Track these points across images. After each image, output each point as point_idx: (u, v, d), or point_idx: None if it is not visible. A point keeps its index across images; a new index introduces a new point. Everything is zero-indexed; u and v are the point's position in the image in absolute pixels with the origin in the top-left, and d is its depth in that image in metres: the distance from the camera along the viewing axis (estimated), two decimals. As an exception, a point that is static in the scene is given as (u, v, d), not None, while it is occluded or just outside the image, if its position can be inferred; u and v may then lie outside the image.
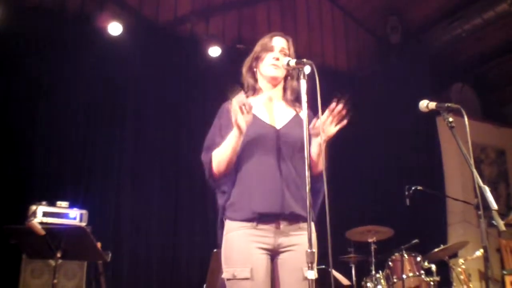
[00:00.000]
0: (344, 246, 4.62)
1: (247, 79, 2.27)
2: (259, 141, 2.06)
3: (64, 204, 4.13)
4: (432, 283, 4.17)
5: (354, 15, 6.77)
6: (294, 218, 2.02)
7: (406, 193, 4.13)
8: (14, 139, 4.45)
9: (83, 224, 4.07)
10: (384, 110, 6.33)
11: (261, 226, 2.00)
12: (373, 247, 4.42)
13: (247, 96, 2.24)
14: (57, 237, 3.13)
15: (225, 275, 1.99)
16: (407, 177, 5.82)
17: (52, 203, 4.08)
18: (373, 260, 4.39)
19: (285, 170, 2.04)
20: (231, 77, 2.46)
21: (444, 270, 4.43)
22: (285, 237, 2.02)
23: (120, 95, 5.13)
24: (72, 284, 3.94)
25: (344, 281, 4.12)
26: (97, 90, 4.97)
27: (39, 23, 4.76)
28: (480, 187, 1.99)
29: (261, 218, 1.99)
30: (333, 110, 1.98)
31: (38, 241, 3.14)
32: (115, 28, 4.95)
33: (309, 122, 1.95)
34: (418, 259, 4.28)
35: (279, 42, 2.22)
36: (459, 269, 4.39)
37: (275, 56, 2.18)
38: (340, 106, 1.98)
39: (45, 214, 3.98)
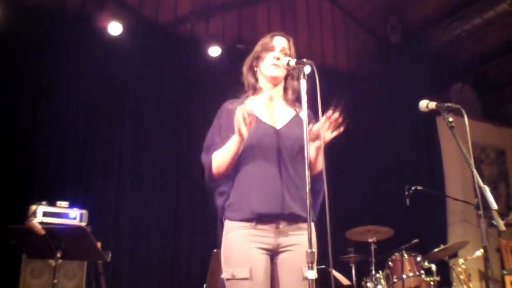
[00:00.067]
0: (344, 246, 4.62)
1: (247, 78, 2.27)
2: (258, 141, 2.06)
3: (64, 204, 4.13)
4: (432, 283, 4.17)
5: (354, 15, 6.77)
6: (294, 219, 2.02)
7: (406, 193, 4.13)
8: (14, 139, 4.45)
9: (83, 224, 4.07)
10: (384, 110, 6.33)
11: (260, 226, 2.00)
12: (373, 247, 4.42)
13: (247, 96, 2.24)
14: (57, 237, 3.13)
15: (224, 275, 1.99)
16: (407, 177, 5.82)
17: (52, 203, 4.08)
18: (373, 260, 4.39)
19: (285, 170, 2.04)
20: (231, 77, 2.47)
21: (444, 270, 4.43)
22: (285, 237, 2.02)
23: (120, 95, 5.13)
24: (72, 284, 3.94)
25: (344, 281, 4.12)
26: (97, 90, 4.96)
27: (39, 23, 4.76)
28: (480, 187, 1.99)
29: (260, 218, 1.99)
30: (329, 117, 1.98)
31: (38, 241, 3.14)
32: (115, 28, 4.95)
33: (309, 122, 1.95)
34: (418, 259, 4.28)
35: (280, 42, 2.22)
36: (459, 269, 4.39)
37: (275, 55, 2.18)
38: (337, 113, 1.98)
39: (45, 214, 3.98)
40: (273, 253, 2.03)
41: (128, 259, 4.75)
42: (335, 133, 2.01)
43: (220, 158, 2.06)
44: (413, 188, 4.15)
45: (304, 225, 1.99)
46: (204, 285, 3.75)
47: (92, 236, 3.27)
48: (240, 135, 1.95)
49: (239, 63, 2.34)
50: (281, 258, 2.03)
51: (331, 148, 2.03)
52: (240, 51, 5.35)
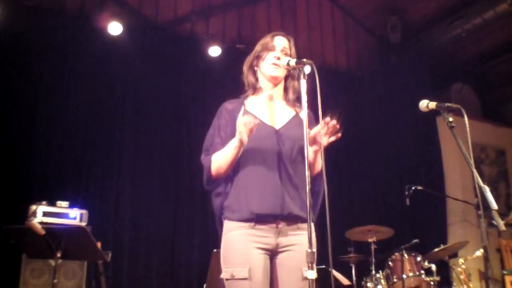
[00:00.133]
0: (344, 246, 4.62)
1: (247, 78, 2.26)
2: (258, 141, 2.05)
3: (64, 204, 4.13)
4: (432, 283, 4.17)
5: (354, 15, 6.77)
6: (293, 219, 2.02)
7: (406, 193, 4.13)
8: (14, 139, 4.45)
9: (83, 224, 4.07)
10: (384, 110, 6.34)
11: (259, 226, 2.00)
12: (373, 247, 4.42)
13: (247, 96, 2.24)
14: (57, 237, 3.13)
15: (224, 275, 1.99)
16: (407, 177, 5.82)
17: (52, 203, 4.08)
18: (373, 260, 4.39)
19: (284, 170, 2.04)
20: (231, 77, 2.47)
21: (444, 270, 4.43)
22: (284, 237, 2.02)
23: (120, 94, 5.13)
24: (72, 284, 3.94)
25: (344, 281, 4.12)
26: (97, 90, 4.96)
27: (39, 23, 4.76)
28: (480, 187, 1.99)
29: (259, 218, 1.99)
30: (327, 123, 1.98)
31: (38, 241, 3.14)
32: (115, 28, 4.95)
33: (309, 122, 1.95)
34: (418, 259, 4.28)
35: (280, 42, 2.22)
36: (459, 269, 4.40)
37: (276, 55, 2.18)
38: (335, 120, 1.98)
39: (45, 214, 3.98)
40: (272, 253, 2.03)
41: (128, 259, 4.75)
42: (333, 138, 2.01)
43: (219, 161, 2.06)
44: (413, 188, 4.14)
45: (304, 225, 1.99)
46: (204, 285, 3.76)
47: (92, 236, 3.27)
48: (241, 141, 1.96)
49: (239, 63, 2.34)
50: (280, 258, 2.03)
51: (331, 148, 2.03)
52: (240, 51, 5.35)
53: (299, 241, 2.00)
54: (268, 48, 2.20)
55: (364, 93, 6.49)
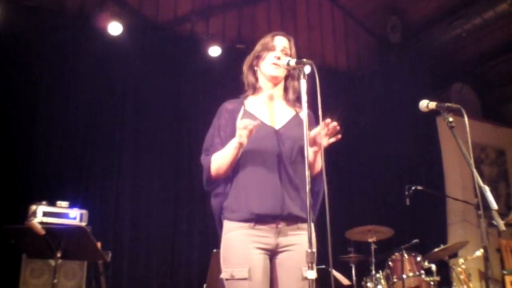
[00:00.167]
0: (344, 246, 4.62)
1: (247, 77, 2.26)
2: (258, 142, 2.05)
3: (64, 204, 4.13)
4: (432, 283, 4.17)
5: (354, 15, 6.77)
6: (293, 219, 2.01)
7: (406, 193, 4.13)
8: (14, 139, 4.45)
9: (83, 224, 4.07)
10: (384, 110, 6.34)
11: (259, 227, 2.00)
12: (373, 247, 4.42)
13: (247, 95, 2.24)
14: (57, 237, 3.13)
15: (223, 275, 1.99)
16: (407, 177, 5.82)
17: (52, 203, 4.08)
18: (373, 260, 4.39)
19: (284, 170, 2.04)
20: (231, 77, 2.47)
21: (444, 270, 4.43)
22: (284, 237, 2.02)
23: (120, 95, 5.13)
24: (72, 284, 3.94)
25: (344, 281, 4.12)
26: (97, 90, 4.96)
27: (39, 23, 4.76)
28: (480, 187, 1.99)
29: (258, 219, 1.99)
30: (328, 124, 1.98)
31: (38, 241, 3.14)
32: (115, 28, 4.95)
33: (309, 122, 1.95)
34: (418, 259, 4.28)
35: (280, 42, 2.22)
36: (459, 269, 4.40)
37: (276, 55, 2.17)
38: (335, 121, 1.98)
39: (45, 214, 3.98)
40: (272, 253, 2.03)
41: (128, 259, 4.75)
42: (332, 140, 2.01)
43: (219, 161, 2.06)
44: (413, 188, 4.14)
45: (304, 225, 1.99)
46: (204, 285, 3.76)
47: (92, 236, 3.27)
48: (240, 143, 1.96)
49: (239, 63, 2.33)
50: (280, 258, 2.03)
51: (331, 149, 2.03)
52: (240, 51, 5.35)
53: (299, 241, 2.00)
54: (269, 48, 2.20)
55: (364, 93, 6.49)
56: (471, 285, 4.40)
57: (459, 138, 2.14)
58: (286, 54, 2.19)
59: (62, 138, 4.71)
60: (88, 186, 4.73)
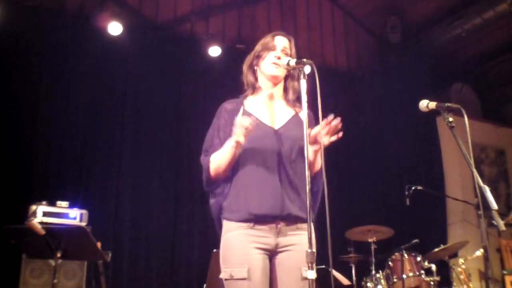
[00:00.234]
0: (344, 246, 4.62)
1: (247, 77, 2.26)
2: (257, 142, 2.05)
3: (64, 204, 4.13)
4: (432, 283, 4.17)
5: (354, 15, 6.77)
6: (292, 219, 2.01)
7: (406, 193, 4.13)
8: (14, 139, 4.45)
9: (83, 224, 4.07)
10: (384, 110, 6.34)
11: (258, 227, 1.99)
12: (373, 247, 4.42)
13: (246, 95, 2.24)
14: (57, 237, 3.13)
15: (223, 275, 1.99)
16: (407, 177, 5.82)
17: (52, 203, 4.08)
18: (373, 260, 4.39)
19: (283, 170, 2.04)
20: (231, 77, 2.47)
21: (444, 270, 4.43)
22: (283, 237, 2.01)
23: (120, 95, 5.13)
24: (72, 284, 3.94)
25: (344, 281, 4.12)
26: (97, 90, 4.97)
27: (39, 23, 4.76)
28: (480, 187, 1.99)
29: (257, 219, 1.99)
30: (329, 123, 1.97)
31: (38, 241, 3.14)
32: (115, 28, 4.95)
33: (309, 122, 1.95)
34: (418, 259, 4.28)
35: (281, 42, 2.22)
36: (459, 269, 4.39)
37: (277, 55, 2.17)
38: (337, 120, 1.97)
39: (45, 214, 3.98)
40: (271, 253, 2.03)
41: (128, 259, 4.75)
42: (333, 138, 2.00)
43: (217, 161, 2.06)
44: (413, 188, 4.14)
45: (303, 225, 2.00)
46: (204, 285, 3.76)
47: (92, 236, 3.27)
48: (237, 142, 1.96)
49: (239, 63, 2.33)
50: (279, 258, 2.03)
51: (331, 149, 2.03)
52: (240, 51, 5.35)
53: (299, 241, 2.00)
54: (269, 48, 2.20)
55: (364, 93, 6.49)
56: (471, 285, 4.40)
57: (459, 138, 2.14)
58: (286, 54, 2.19)
59: (62, 138, 4.71)
60: (88, 186, 4.73)
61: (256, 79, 2.25)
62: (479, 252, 4.32)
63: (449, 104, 2.23)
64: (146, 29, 5.43)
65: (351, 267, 4.58)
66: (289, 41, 2.24)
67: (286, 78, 2.25)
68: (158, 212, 5.02)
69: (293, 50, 2.23)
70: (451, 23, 5.93)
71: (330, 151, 2.05)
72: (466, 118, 2.11)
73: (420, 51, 6.24)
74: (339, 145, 2.09)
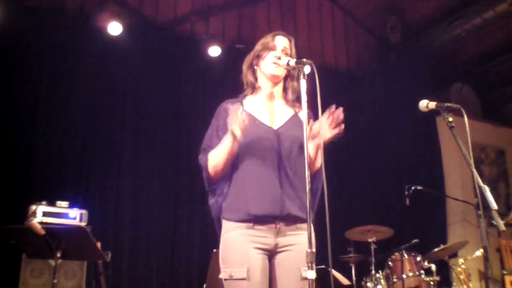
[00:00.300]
0: (344, 246, 4.62)
1: (247, 76, 2.26)
2: (256, 142, 2.05)
3: (64, 204, 4.13)
4: (432, 283, 4.17)
5: (354, 15, 6.77)
6: (291, 219, 2.01)
7: (406, 193, 4.13)
8: (14, 139, 4.45)
9: (83, 224, 4.07)
10: (384, 110, 6.34)
11: (258, 227, 1.99)
12: (373, 247, 4.42)
13: (246, 95, 2.24)
14: (57, 237, 3.13)
15: (222, 275, 1.99)
16: (407, 177, 5.82)
17: (52, 203, 4.08)
18: (373, 260, 4.39)
19: (283, 170, 2.04)
20: (231, 77, 2.46)
21: (444, 270, 4.43)
22: (283, 237, 2.01)
23: (120, 95, 5.13)
24: (72, 284, 3.94)
25: (344, 281, 4.12)
26: (97, 90, 4.97)
27: (39, 23, 4.76)
28: (480, 187, 1.99)
29: (257, 219, 1.99)
30: (332, 113, 1.97)
31: (38, 241, 3.14)
32: (115, 28, 4.95)
33: (309, 122, 1.94)
34: (418, 259, 4.28)
35: (281, 41, 2.21)
36: (459, 269, 4.39)
37: (277, 55, 2.17)
38: (340, 110, 1.97)
39: (45, 214, 3.98)
40: (271, 253, 2.02)
41: (128, 259, 4.75)
42: (335, 131, 1.99)
43: (215, 158, 2.06)
44: (413, 188, 4.14)
45: (303, 225, 2.00)
46: (204, 285, 3.76)
47: (92, 236, 3.27)
48: (233, 134, 1.95)
49: (239, 63, 2.33)
50: (279, 258, 2.02)
51: (331, 148, 2.03)
52: (240, 51, 5.35)
53: (298, 241, 2.00)
54: (269, 48, 2.20)
55: (364, 93, 6.49)
56: (471, 285, 4.40)
57: (459, 138, 2.14)
58: (286, 54, 2.18)
59: (62, 138, 4.71)
60: (88, 186, 4.73)
61: (255, 78, 2.25)
62: (479, 252, 4.32)
63: (449, 104, 2.23)
64: (146, 29, 5.43)
65: (351, 267, 4.58)
66: (289, 41, 2.24)
67: (285, 78, 2.25)
68: (158, 212, 5.02)
69: (293, 50, 2.23)
70: (451, 23, 5.94)
71: (330, 151, 2.05)
72: (466, 118, 2.11)
73: (420, 51, 6.24)
74: (339, 145, 2.09)
